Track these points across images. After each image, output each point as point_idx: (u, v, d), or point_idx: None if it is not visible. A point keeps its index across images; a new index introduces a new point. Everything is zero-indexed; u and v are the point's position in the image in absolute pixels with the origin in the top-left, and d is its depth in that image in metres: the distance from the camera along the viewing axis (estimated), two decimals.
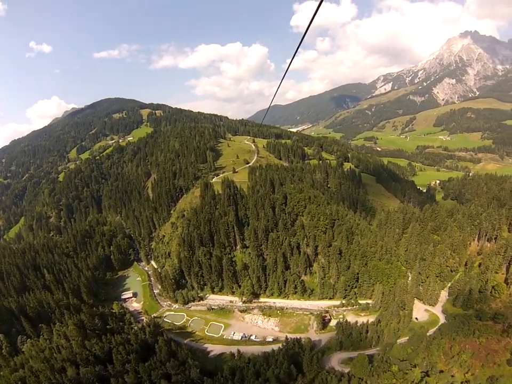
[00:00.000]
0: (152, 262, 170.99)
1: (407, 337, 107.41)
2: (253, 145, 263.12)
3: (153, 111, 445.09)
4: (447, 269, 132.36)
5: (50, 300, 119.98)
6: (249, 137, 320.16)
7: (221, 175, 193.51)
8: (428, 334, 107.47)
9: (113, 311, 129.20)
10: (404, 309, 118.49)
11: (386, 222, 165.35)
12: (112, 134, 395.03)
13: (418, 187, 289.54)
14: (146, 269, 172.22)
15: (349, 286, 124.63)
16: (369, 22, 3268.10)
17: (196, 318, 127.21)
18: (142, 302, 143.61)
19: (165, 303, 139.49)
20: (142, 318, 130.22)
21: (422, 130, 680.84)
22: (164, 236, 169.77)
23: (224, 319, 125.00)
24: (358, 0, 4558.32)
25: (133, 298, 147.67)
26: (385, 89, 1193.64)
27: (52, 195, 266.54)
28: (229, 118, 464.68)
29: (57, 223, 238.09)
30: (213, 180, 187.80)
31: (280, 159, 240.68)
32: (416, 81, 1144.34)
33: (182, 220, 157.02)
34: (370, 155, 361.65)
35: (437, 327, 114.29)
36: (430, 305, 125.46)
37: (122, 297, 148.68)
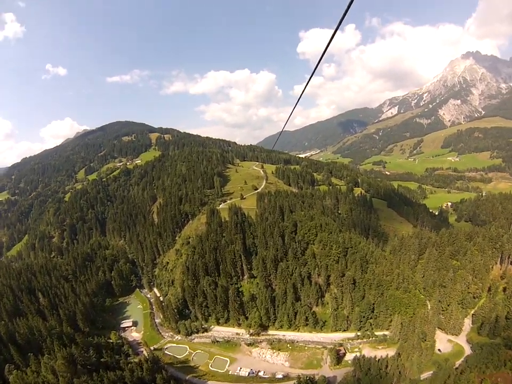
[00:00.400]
0: (155, 290, 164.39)
1: (431, 372, 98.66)
2: (261, 171, 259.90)
3: (162, 135, 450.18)
4: (469, 295, 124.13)
5: (42, 328, 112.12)
6: (257, 162, 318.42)
7: (228, 201, 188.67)
8: (453, 367, 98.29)
9: (110, 341, 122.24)
10: (425, 340, 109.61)
11: (401, 248, 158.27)
12: (121, 157, 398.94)
13: (430, 210, 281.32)
14: (148, 296, 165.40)
15: (364, 317, 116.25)
16: (373, 48, 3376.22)
17: (200, 351, 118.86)
18: (142, 332, 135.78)
19: (167, 334, 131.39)
20: (142, 349, 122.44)
21: (430, 152, 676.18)
22: (168, 262, 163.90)
23: (230, 352, 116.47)
24: (361, 27, 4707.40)
25: (132, 328, 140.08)
26: (391, 113, 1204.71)
27: (56, 215, 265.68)
28: (237, 143, 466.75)
29: (59, 244, 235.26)
30: (220, 206, 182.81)
31: (289, 185, 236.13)
32: (421, 104, 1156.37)
33: (187, 247, 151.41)
34: (380, 179, 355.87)
35: (462, 358, 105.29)
36: (453, 334, 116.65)
37: (122, 325, 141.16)
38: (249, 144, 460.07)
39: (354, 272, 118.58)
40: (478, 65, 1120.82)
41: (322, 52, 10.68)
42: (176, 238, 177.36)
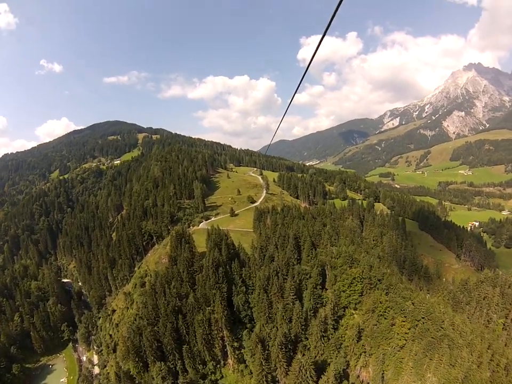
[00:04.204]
0: (94, 352, 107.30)
1: None
2: (260, 178, 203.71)
3: (150, 135, 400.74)
4: None
5: None
6: (255, 168, 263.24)
7: (213, 219, 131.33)
8: None
9: None
10: None
11: (469, 300, 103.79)
12: (101, 156, 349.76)
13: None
14: (84, 358, 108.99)
15: None
16: (374, 57, 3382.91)
17: None
18: None
19: None
20: None
21: (439, 165, 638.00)
22: (114, 311, 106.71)
23: None
24: (363, 35, 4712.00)
25: None
26: (393, 124, 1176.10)
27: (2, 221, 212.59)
28: (233, 147, 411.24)
29: None
30: (200, 225, 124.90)
31: (297, 197, 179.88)
32: (424, 116, 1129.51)
33: (141, 292, 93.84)
34: (400, 194, 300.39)
35: None
36: None
37: None
38: (246, 149, 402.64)
39: (437, 369, 62.66)
40: (481, 77, 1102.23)
41: (311, 57, 9.04)
42: (135, 270, 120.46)
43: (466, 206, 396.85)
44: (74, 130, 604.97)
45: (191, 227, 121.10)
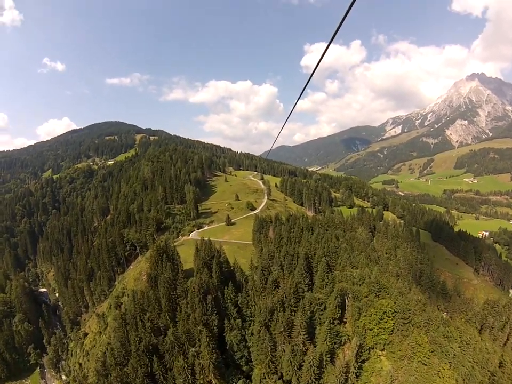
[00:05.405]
0: (63, 380, 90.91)
1: None
2: (260, 182, 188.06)
3: (148, 136, 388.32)
4: None
5: None
6: (256, 172, 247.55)
7: (205, 227, 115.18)
8: None
9: None
10: None
11: (503, 325, 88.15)
12: (96, 156, 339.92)
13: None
14: None
15: None
16: (377, 66, 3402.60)
17: None
18: None
19: None
20: None
21: (443, 173, 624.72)
22: (87, 334, 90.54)
23: None
24: (367, 43, 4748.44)
25: None
26: (395, 131, 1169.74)
27: None
28: (233, 150, 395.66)
29: None
30: (190, 235, 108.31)
31: (302, 204, 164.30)
32: (426, 124, 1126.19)
33: (115, 315, 77.62)
34: (409, 202, 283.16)
35: None
36: None
37: None
38: (246, 152, 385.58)
39: None
40: (484, 86, 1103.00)
41: (316, 65, 8.70)
42: (115, 284, 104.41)
43: (473, 214, 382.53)
44: (73, 130, 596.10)
45: (181, 237, 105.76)
